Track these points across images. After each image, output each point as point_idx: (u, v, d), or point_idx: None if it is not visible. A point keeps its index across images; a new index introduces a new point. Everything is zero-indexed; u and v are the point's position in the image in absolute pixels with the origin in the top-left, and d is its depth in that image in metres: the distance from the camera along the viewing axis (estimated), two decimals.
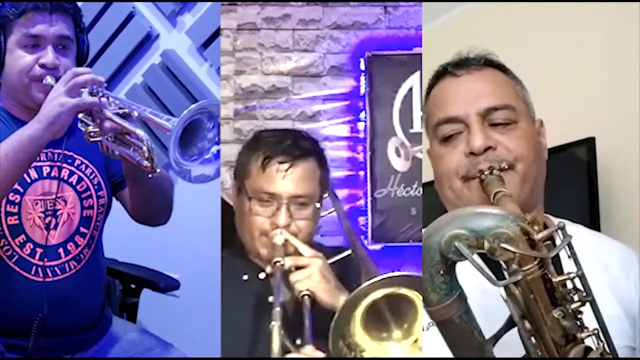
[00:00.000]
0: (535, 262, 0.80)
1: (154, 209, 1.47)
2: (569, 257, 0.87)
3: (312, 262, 1.17)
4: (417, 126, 2.40)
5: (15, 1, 1.32)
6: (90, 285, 1.46)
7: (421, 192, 2.35)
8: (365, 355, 1.04)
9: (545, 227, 1.15)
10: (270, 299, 1.08)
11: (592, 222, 1.79)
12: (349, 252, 1.27)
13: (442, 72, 1.18)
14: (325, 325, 1.00)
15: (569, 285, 0.85)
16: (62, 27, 1.33)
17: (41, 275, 1.37)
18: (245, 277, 1.27)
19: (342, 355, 1.00)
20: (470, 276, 0.83)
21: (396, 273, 1.01)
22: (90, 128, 1.26)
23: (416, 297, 1.02)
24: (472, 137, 1.08)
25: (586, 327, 0.86)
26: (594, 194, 1.83)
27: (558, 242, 0.84)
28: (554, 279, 0.82)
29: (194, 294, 2.04)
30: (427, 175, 2.17)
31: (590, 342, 0.86)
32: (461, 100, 1.12)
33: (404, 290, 1.01)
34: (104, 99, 1.23)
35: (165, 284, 1.70)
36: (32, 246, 1.37)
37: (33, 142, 1.22)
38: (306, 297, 1.13)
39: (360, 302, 1.01)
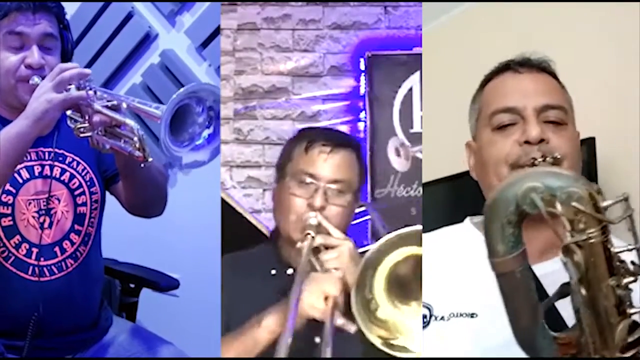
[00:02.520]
0: (599, 227, 0.83)
1: (148, 200, 1.47)
2: (628, 229, 0.89)
3: (343, 243, 1.19)
4: (417, 126, 2.39)
5: None
6: (88, 282, 1.46)
7: (421, 192, 2.34)
8: (379, 313, 1.09)
9: None
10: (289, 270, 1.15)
11: None
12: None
13: (505, 68, 1.25)
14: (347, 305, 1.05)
15: (624, 260, 0.87)
16: (45, 25, 1.33)
17: (38, 274, 1.37)
18: (274, 272, 1.29)
19: (363, 299, 1.06)
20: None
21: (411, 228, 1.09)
22: (80, 124, 1.25)
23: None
24: (529, 127, 1.15)
25: (634, 306, 0.87)
26: None
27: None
28: (612, 249, 0.84)
29: (194, 293, 2.04)
30: (427, 175, 2.18)
31: (637, 318, 0.88)
32: (521, 94, 1.19)
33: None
34: (91, 93, 1.22)
35: (165, 284, 1.70)
36: (27, 246, 1.37)
37: (21, 139, 1.22)
38: (334, 271, 1.16)
39: (382, 258, 1.07)
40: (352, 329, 1.05)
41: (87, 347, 1.46)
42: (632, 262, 0.87)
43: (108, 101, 1.23)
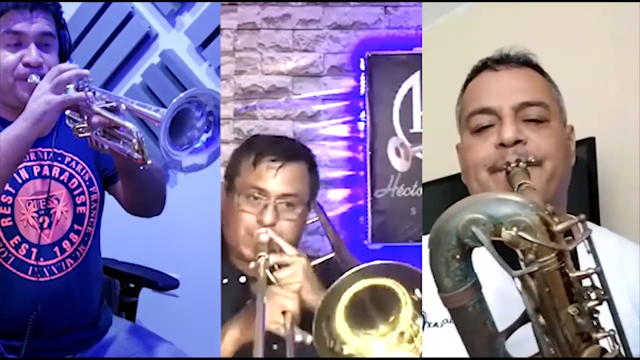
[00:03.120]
0: (553, 254, 0.78)
1: (147, 200, 1.47)
2: (588, 252, 0.85)
3: (296, 260, 1.17)
4: (417, 126, 2.39)
5: None
6: (87, 282, 1.46)
7: (421, 192, 2.34)
8: (346, 348, 1.03)
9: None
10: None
11: (592, 222, 1.79)
12: (332, 255, 1.28)
13: (482, 67, 1.20)
14: (307, 324, 1.00)
15: (586, 282, 0.83)
16: (43, 24, 1.33)
17: (38, 275, 1.37)
18: (225, 280, 1.28)
19: (325, 345, 1.00)
20: (490, 263, 0.81)
21: (376, 262, 1.00)
22: (79, 124, 1.25)
23: (398, 287, 1.01)
24: (504, 129, 1.10)
25: (602, 328, 0.83)
26: (594, 194, 1.83)
27: (578, 237, 0.82)
28: (571, 274, 0.80)
29: (194, 293, 2.04)
30: (427, 175, 2.18)
31: (605, 343, 0.84)
32: (497, 93, 1.14)
33: (384, 281, 1.00)
34: (90, 94, 1.22)
35: (164, 283, 1.70)
36: (27, 247, 1.37)
37: (20, 141, 1.22)
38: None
39: (342, 293, 1.00)
40: (308, 339, 1.04)
41: (86, 347, 1.46)
42: (593, 286, 0.82)
43: (107, 102, 1.22)
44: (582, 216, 0.84)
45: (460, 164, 1.21)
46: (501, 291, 0.89)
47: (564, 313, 0.80)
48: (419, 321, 1.04)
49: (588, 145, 1.84)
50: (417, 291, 1.01)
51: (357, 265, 0.97)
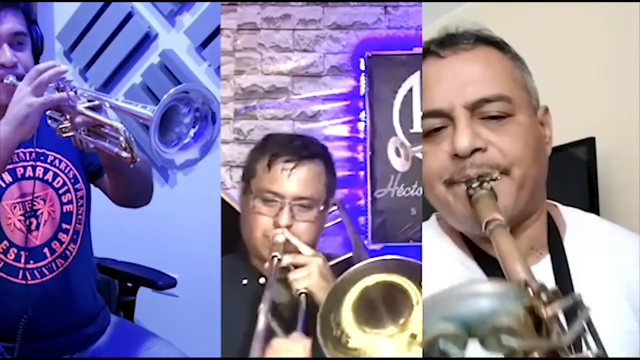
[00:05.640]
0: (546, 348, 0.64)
1: (134, 192, 1.46)
2: (586, 345, 0.72)
3: (312, 260, 1.15)
4: (417, 126, 2.39)
5: None
6: (80, 280, 1.45)
7: (421, 192, 2.34)
8: (351, 343, 0.99)
9: (552, 222, 1.04)
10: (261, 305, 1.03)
11: None
12: (349, 254, 1.26)
13: (425, 52, 0.99)
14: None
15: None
16: (14, 23, 1.29)
17: (29, 278, 1.36)
18: (245, 281, 1.27)
19: (332, 336, 0.97)
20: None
21: (388, 256, 0.94)
22: (61, 124, 1.23)
23: (409, 286, 0.97)
24: (457, 136, 0.92)
25: None
26: (594, 194, 1.83)
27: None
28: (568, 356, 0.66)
29: (194, 293, 2.04)
30: None
31: None
32: (445, 90, 0.94)
33: (395, 278, 0.96)
34: (72, 93, 1.19)
35: (163, 282, 1.69)
36: (16, 251, 1.35)
37: (4, 146, 1.19)
38: (303, 295, 1.11)
39: (350, 287, 0.97)
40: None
41: (85, 346, 1.45)
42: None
43: (89, 101, 1.19)
44: (578, 294, 0.68)
45: None
46: None
47: None
48: None
49: (588, 145, 1.84)
50: None
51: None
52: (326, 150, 1.31)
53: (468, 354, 0.62)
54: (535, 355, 0.62)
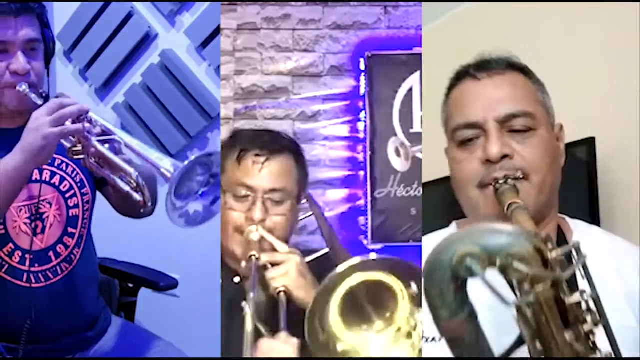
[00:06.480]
0: (549, 282, 0.78)
1: (139, 207, 1.46)
2: (582, 277, 0.85)
3: (289, 258, 1.15)
4: (417, 126, 2.39)
5: None
6: (84, 284, 1.45)
7: (421, 192, 2.34)
8: (340, 345, 1.01)
9: (561, 230, 1.16)
10: (243, 303, 1.04)
11: (593, 222, 1.79)
12: (326, 250, 1.26)
13: (463, 74, 1.17)
14: (300, 324, 0.98)
15: (583, 304, 0.83)
16: (28, 30, 1.30)
17: (34, 281, 1.36)
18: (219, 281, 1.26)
19: (319, 342, 0.98)
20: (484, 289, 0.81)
21: (372, 255, 1.00)
22: (74, 147, 1.24)
23: (394, 282, 1.00)
24: (489, 145, 1.08)
25: (599, 349, 0.84)
26: (594, 194, 1.83)
27: (574, 258, 0.83)
28: (567, 300, 0.80)
29: (194, 294, 2.04)
30: (427, 175, 2.18)
31: None
32: (480, 106, 1.11)
33: (380, 276, 0.99)
34: (87, 125, 1.20)
35: (164, 283, 1.69)
36: (20, 254, 1.35)
37: (18, 174, 1.20)
38: (282, 293, 1.11)
39: (336, 287, 0.98)
40: None
41: (87, 346, 1.45)
42: (589, 309, 0.83)
43: (103, 131, 1.21)
44: (577, 242, 0.84)
45: (450, 173, 1.19)
46: (495, 319, 0.88)
47: (561, 339, 0.80)
48: (418, 315, 1.03)
49: (588, 145, 1.84)
50: (413, 285, 1.00)
51: (350, 259, 0.97)
52: (296, 144, 1.30)
53: (487, 277, 0.76)
54: (540, 289, 0.77)
